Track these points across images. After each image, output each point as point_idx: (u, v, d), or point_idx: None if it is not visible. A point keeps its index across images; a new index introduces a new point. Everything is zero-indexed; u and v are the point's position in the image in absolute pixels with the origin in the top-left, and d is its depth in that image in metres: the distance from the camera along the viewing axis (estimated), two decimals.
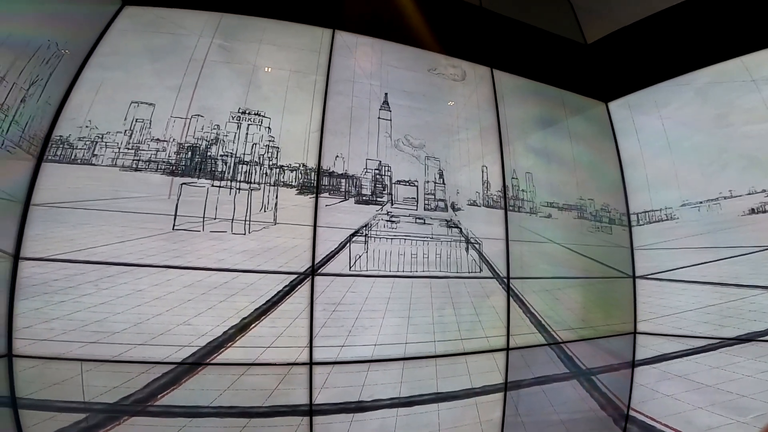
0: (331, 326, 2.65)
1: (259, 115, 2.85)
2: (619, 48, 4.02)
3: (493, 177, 3.45)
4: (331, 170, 2.94)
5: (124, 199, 2.46)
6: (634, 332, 3.57)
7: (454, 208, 3.27)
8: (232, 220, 2.62)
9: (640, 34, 3.85)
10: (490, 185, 3.43)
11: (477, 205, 3.35)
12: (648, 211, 3.73)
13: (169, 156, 2.61)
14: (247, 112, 2.83)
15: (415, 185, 3.20)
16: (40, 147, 2.37)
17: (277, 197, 2.75)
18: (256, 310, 2.50)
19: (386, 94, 3.29)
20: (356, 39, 3.31)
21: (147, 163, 2.56)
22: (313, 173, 2.87)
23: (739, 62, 3.23)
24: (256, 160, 2.79)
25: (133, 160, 2.54)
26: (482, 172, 3.44)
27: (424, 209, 3.18)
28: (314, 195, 2.84)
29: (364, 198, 3.02)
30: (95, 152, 2.48)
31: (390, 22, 3.47)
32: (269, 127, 2.86)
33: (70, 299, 2.22)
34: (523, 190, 3.56)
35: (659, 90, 3.71)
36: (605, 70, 4.15)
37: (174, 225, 2.48)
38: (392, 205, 3.10)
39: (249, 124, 2.81)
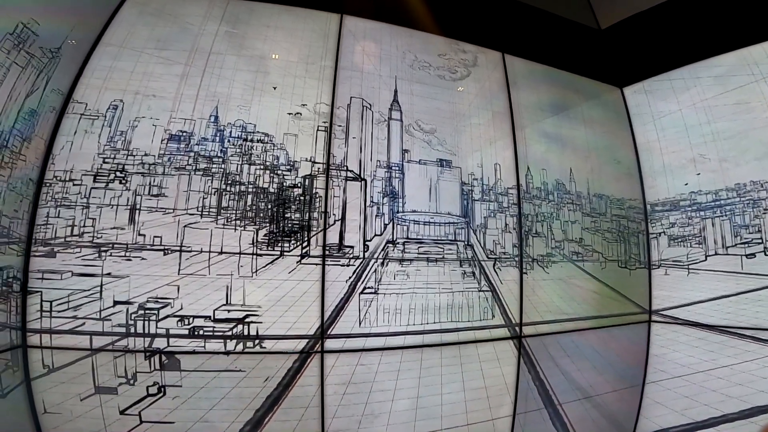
0: (343, 416, 2.55)
1: (262, 142, 2.66)
2: (635, 33, 3.79)
3: (506, 171, 3.34)
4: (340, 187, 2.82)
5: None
6: (641, 397, 3.40)
7: (468, 221, 3.17)
8: (239, 254, 2.47)
9: (657, 19, 3.61)
10: (502, 182, 3.32)
11: (490, 214, 3.24)
12: (666, 209, 3.63)
13: (171, 166, 2.48)
14: (249, 139, 2.63)
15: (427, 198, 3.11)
16: (42, 157, 2.22)
17: (284, 227, 2.61)
18: (268, 398, 2.37)
19: (396, 91, 3.13)
20: (365, 24, 3.15)
21: (149, 167, 2.43)
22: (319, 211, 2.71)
23: (761, 48, 3.08)
24: (261, 189, 2.63)
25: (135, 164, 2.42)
26: (495, 169, 3.31)
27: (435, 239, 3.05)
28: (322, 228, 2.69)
29: (373, 207, 2.89)
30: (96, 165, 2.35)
31: (399, 6, 3.25)
32: (276, 155, 2.67)
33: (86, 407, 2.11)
34: (537, 188, 3.44)
35: (677, 76, 3.55)
36: (620, 55, 3.93)
37: (179, 269, 2.34)
38: (403, 217, 2.99)
39: (253, 150, 2.64)
